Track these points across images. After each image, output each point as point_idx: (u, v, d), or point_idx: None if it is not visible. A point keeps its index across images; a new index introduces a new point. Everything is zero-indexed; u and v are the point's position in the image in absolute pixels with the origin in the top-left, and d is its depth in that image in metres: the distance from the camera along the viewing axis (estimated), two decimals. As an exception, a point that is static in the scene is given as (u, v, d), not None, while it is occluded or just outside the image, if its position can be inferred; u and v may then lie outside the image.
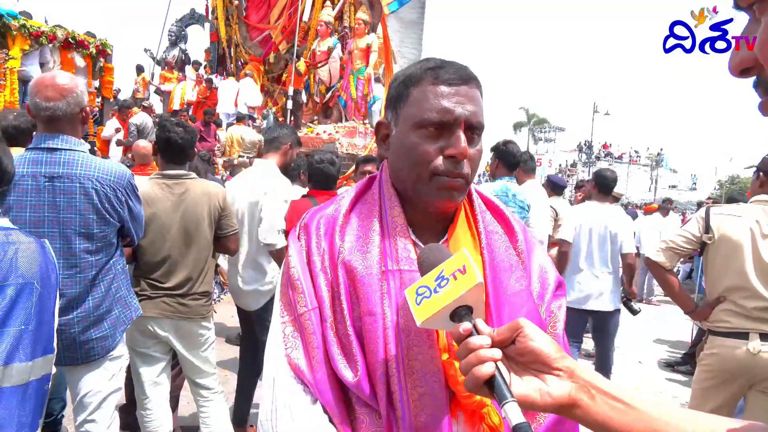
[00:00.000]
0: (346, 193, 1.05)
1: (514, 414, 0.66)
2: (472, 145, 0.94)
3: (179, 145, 2.71)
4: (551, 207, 5.81)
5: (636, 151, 46.78)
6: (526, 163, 4.55)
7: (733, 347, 2.51)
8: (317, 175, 3.30)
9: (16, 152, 2.90)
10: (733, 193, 6.39)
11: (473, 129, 0.94)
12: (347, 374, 0.88)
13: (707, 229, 2.63)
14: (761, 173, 2.68)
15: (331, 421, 0.89)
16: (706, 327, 2.71)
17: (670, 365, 5.79)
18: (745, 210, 2.62)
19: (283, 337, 0.93)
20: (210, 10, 12.50)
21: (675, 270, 3.11)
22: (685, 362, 5.64)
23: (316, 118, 9.31)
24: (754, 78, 0.56)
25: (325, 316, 0.91)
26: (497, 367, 0.69)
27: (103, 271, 2.16)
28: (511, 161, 3.96)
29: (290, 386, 0.90)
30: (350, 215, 1.00)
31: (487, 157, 4.91)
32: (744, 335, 2.50)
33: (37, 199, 2.03)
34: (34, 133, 2.16)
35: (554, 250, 4.63)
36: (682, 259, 2.83)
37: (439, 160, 0.92)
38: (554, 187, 6.02)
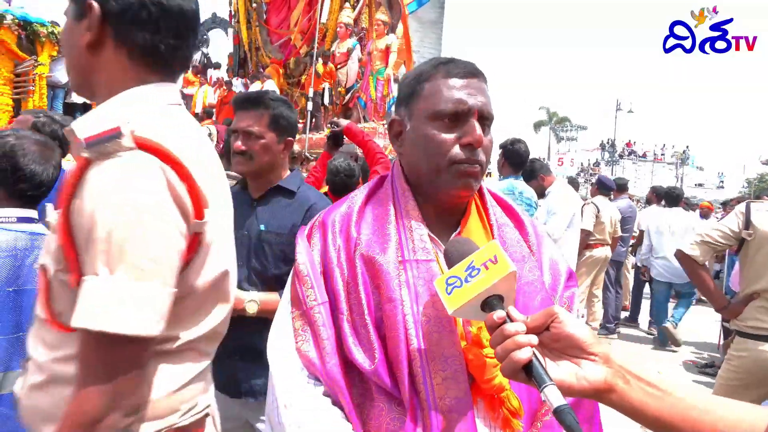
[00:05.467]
0: (359, 191, 1.08)
1: (554, 397, 0.67)
2: (485, 134, 0.98)
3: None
4: (594, 204, 5.91)
5: (661, 149, 45.90)
6: (543, 167, 4.68)
7: (763, 350, 2.43)
8: (335, 184, 3.45)
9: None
10: (762, 192, 6.26)
11: (485, 119, 0.99)
12: (364, 362, 0.90)
13: (747, 224, 2.54)
14: None
15: (342, 411, 0.91)
16: (734, 327, 2.63)
17: (697, 366, 5.67)
18: None
19: (293, 330, 0.96)
20: (232, 14, 12.66)
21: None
22: (711, 364, 5.52)
23: (335, 119, 9.34)
24: None
25: (341, 309, 0.93)
26: (534, 352, 0.71)
27: None
28: (517, 160, 4.03)
29: (301, 382, 0.93)
30: (364, 210, 1.03)
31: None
32: None
33: None
34: None
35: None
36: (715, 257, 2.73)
37: (456, 149, 0.96)
38: (601, 186, 6.44)
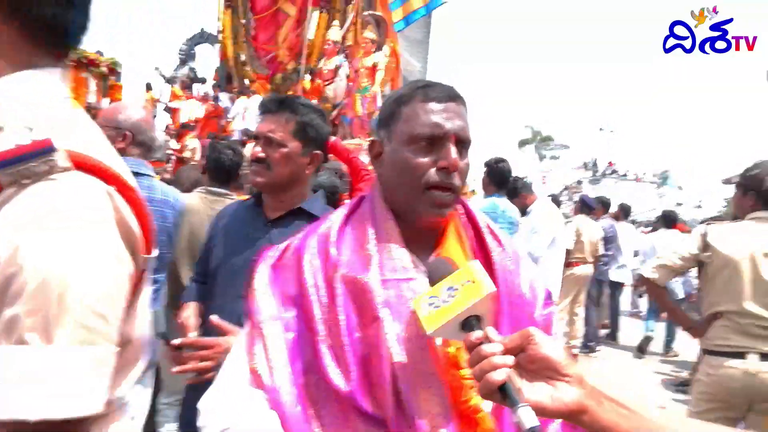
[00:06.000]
0: (338, 211, 1.10)
1: (527, 418, 0.68)
2: (461, 158, 1.00)
3: (227, 167, 2.98)
4: (575, 223, 6.04)
5: (642, 169, 46.68)
6: (525, 186, 4.81)
7: (730, 367, 2.46)
8: None
9: None
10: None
11: (462, 143, 1.00)
12: (340, 383, 0.90)
13: (705, 247, 2.60)
14: (752, 191, 2.62)
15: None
16: (702, 346, 2.67)
17: (674, 385, 5.73)
18: (744, 228, 2.60)
19: (247, 344, 0.97)
20: (219, 30, 12.70)
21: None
22: (688, 382, 5.58)
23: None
24: None
25: (315, 330, 0.93)
26: (509, 374, 0.72)
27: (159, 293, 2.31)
28: (500, 179, 4.13)
29: (244, 390, 0.94)
30: (344, 230, 1.04)
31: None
32: (741, 354, 2.45)
33: None
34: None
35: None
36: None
37: (432, 172, 0.98)
38: (583, 205, 6.65)
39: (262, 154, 1.68)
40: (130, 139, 2.26)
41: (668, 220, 7.35)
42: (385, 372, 0.88)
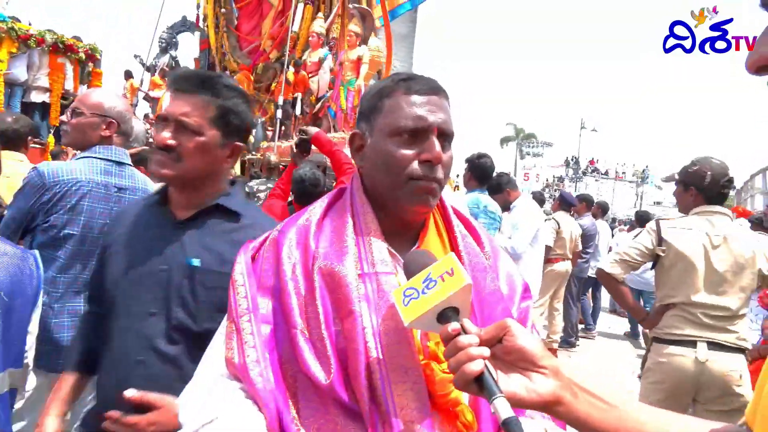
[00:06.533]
0: (318, 203, 1.08)
1: (503, 409, 0.69)
2: (444, 152, 0.99)
3: None
4: (554, 219, 6.08)
5: (622, 167, 47.38)
6: (510, 181, 4.85)
7: (680, 356, 2.57)
8: (300, 193, 3.39)
9: (11, 156, 2.88)
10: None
11: (445, 136, 1.00)
12: (320, 376, 0.89)
13: (660, 241, 2.70)
14: (692, 187, 2.74)
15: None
16: (652, 335, 2.76)
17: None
18: (692, 222, 2.70)
19: (225, 338, 0.97)
20: (201, 18, 12.50)
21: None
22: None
23: (305, 127, 9.28)
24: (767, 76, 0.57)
25: (293, 323, 0.92)
26: (485, 365, 0.72)
27: None
28: (482, 175, 4.14)
29: (223, 383, 0.94)
30: (323, 223, 1.03)
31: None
32: (692, 343, 2.56)
33: (105, 207, 2.15)
34: (99, 146, 2.21)
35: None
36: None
37: (415, 165, 0.97)
38: (563, 202, 6.69)
39: (171, 142, 1.37)
40: (116, 128, 2.22)
41: (642, 220, 7.56)
42: (360, 366, 0.88)
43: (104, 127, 2.19)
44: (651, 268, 2.88)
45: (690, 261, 2.60)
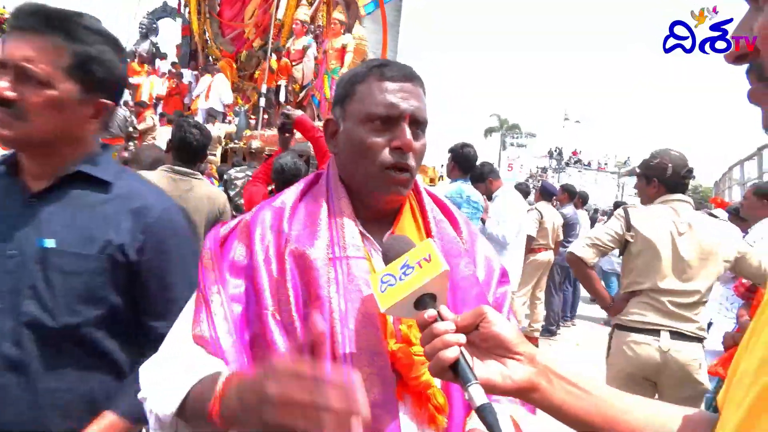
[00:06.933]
0: (294, 187, 1.07)
1: (478, 395, 0.69)
2: (417, 139, 0.99)
3: (193, 147, 2.86)
4: (537, 210, 6.11)
5: (605, 159, 47.91)
6: (492, 171, 4.86)
7: (643, 344, 2.62)
8: (280, 183, 3.36)
9: None
10: (698, 203, 6.70)
11: (418, 124, 1.00)
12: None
13: (629, 227, 2.74)
14: (655, 179, 2.79)
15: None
16: (615, 321, 2.80)
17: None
18: (659, 211, 2.75)
19: (193, 314, 0.95)
20: (182, 4, 12.28)
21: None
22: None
23: (288, 109, 9.21)
24: (746, 65, 0.57)
25: (264, 304, 0.92)
26: (461, 352, 0.72)
27: None
28: (466, 164, 4.15)
29: (187, 345, 0.92)
30: (297, 206, 1.02)
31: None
32: (655, 332, 2.62)
33: None
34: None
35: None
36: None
37: (386, 152, 0.97)
38: (544, 192, 6.69)
39: (10, 93, 1.08)
40: None
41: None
42: (325, 350, 0.87)
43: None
44: (619, 255, 2.91)
45: (656, 248, 2.64)
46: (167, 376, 0.89)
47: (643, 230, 2.70)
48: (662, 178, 2.77)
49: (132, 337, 1.22)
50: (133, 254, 1.18)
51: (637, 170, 2.92)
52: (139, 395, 0.92)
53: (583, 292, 8.02)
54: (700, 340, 2.67)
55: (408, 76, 1.00)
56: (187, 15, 11.93)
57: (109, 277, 1.16)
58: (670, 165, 2.74)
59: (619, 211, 2.85)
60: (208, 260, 0.98)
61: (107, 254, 1.15)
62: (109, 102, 1.21)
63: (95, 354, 1.18)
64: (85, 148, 1.22)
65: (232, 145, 9.17)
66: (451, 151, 4.22)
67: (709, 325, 3.50)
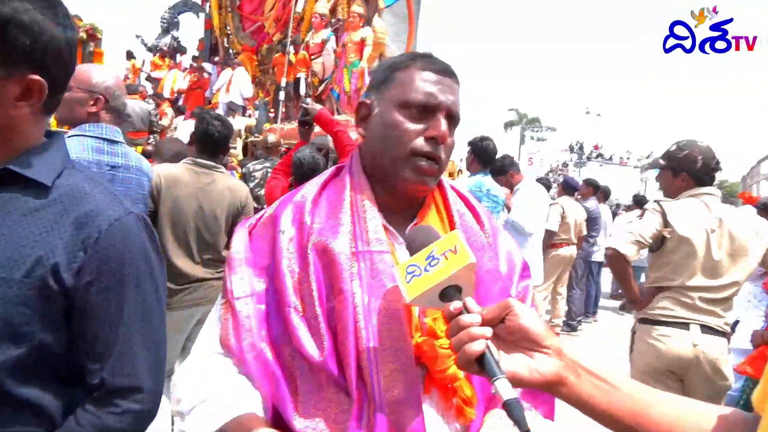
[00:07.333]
0: (315, 180, 1.07)
1: (504, 390, 0.68)
2: (449, 134, 1.00)
3: (215, 139, 2.89)
4: (559, 204, 6.06)
5: (627, 153, 47.10)
6: (513, 164, 4.82)
7: (672, 337, 2.56)
8: (299, 177, 3.38)
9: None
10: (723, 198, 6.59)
11: (451, 119, 1.00)
12: (314, 353, 0.89)
13: (666, 223, 2.66)
14: (684, 172, 2.69)
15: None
16: (638, 317, 2.73)
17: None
18: (692, 206, 2.66)
19: (220, 319, 0.96)
20: (204, -2, 12.36)
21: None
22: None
23: (308, 102, 9.22)
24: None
25: (287, 301, 0.92)
26: (487, 345, 0.71)
27: None
28: (485, 158, 4.10)
29: (216, 358, 0.94)
30: (319, 199, 1.02)
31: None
32: (684, 325, 2.55)
33: None
34: (89, 124, 2.16)
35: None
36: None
37: (420, 140, 0.97)
38: (567, 187, 6.68)
39: None
40: (103, 104, 2.17)
41: (640, 204, 7.58)
42: (350, 346, 0.87)
43: (91, 102, 2.14)
44: (651, 251, 2.81)
45: (693, 246, 2.58)
46: (204, 398, 0.89)
47: (679, 227, 2.61)
48: (692, 170, 2.68)
49: (65, 380, 0.95)
50: (69, 277, 0.90)
51: (662, 162, 2.81)
52: (175, 408, 0.91)
53: (604, 288, 7.91)
54: (725, 334, 2.61)
55: (448, 71, 1.02)
56: (208, 9, 12.01)
57: (36, 307, 0.88)
58: (700, 157, 2.65)
59: (654, 205, 2.75)
60: (238, 264, 0.98)
61: (36, 278, 0.88)
62: (39, 78, 0.91)
63: (12, 404, 0.89)
64: (18, 140, 0.94)
65: (252, 138, 9.23)
66: (470, 144, 4.18)
67: (736, 322, 3.41)
